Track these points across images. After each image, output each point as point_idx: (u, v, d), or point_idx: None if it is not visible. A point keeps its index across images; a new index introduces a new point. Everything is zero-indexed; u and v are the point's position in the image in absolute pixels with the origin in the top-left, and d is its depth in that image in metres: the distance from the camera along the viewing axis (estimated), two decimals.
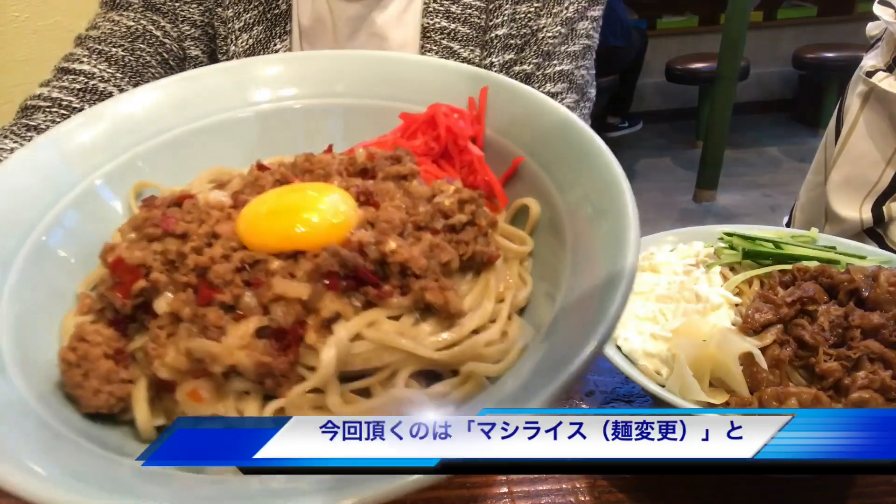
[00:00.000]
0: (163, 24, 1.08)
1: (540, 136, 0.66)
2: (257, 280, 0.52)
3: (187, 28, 1.10)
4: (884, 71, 1.29)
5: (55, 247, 0.61)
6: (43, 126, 0.96)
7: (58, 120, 0.99)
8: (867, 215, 1.31)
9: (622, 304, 0.45)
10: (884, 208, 1.29)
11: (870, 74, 1.30)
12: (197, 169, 0.70)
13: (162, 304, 0.52)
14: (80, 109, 1.01)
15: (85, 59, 1.05)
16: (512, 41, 1.08)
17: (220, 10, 1.09)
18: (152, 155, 0.70)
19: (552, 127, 0.65)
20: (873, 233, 1.31)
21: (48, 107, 1.00)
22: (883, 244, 1.28)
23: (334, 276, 0.51)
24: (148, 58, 1.07)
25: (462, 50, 1.06)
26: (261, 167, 0.65)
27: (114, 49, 1.05)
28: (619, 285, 0.47)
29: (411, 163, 0.65)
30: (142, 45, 1.07)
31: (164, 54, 1.09)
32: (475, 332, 0.54)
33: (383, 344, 0.51)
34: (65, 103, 1.01)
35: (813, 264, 0.80)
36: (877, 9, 1.32)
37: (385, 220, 0.56)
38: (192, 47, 1.10)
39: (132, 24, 1.07)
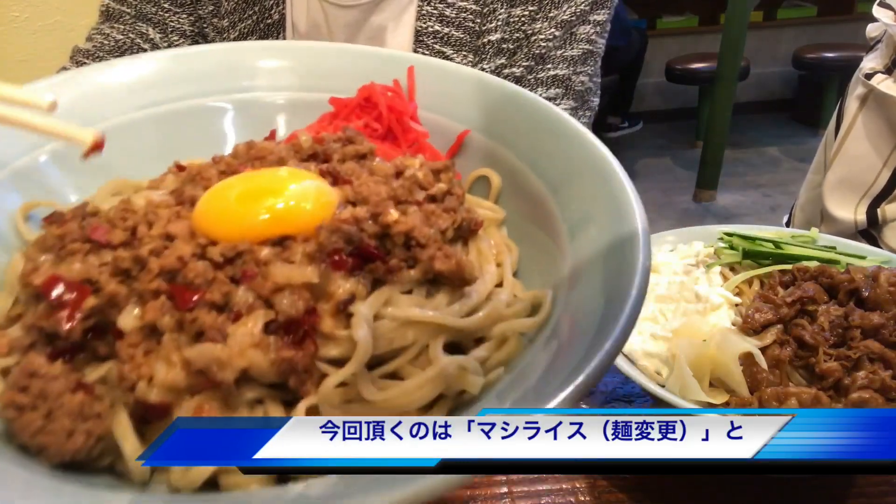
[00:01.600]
0: (151, 35, 1.08)
1: (491, 113, 0.65)
2: (248, 272, 0.46)
3: (176, 38, 1.10)
4: (882, 73, 1.29)
5: None
6: None
7: None
8: (861, 217, 1.31)
9: (641, 291, 0.42)
10: (878, 210, 1.29)
11: (869, 76, 1.30)
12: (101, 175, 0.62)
13: (128, 319, 0.45)
14: None
15: None
16: (505, 45, 1.04)
17: (215, 20, 1.09)
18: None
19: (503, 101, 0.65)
20: (867, 234, 1.31)
21: None
22: (876, 246, 1.28)
23: (338, 256, 0.46)
24: None
25: (455, 55, 1.04)
26: (179, 167, 0.59)
27: None
28: (634, 260, 0.44)
29: (364, 140, 0.61)
30: None
31: None
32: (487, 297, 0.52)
33: (406, 320, 0.47)
34: None
35: (813, 264, 0.80)
36: (876, 11, 1.32)
37: (371, 193, 0.52)
38: None
39: (122, 37, 1.07)
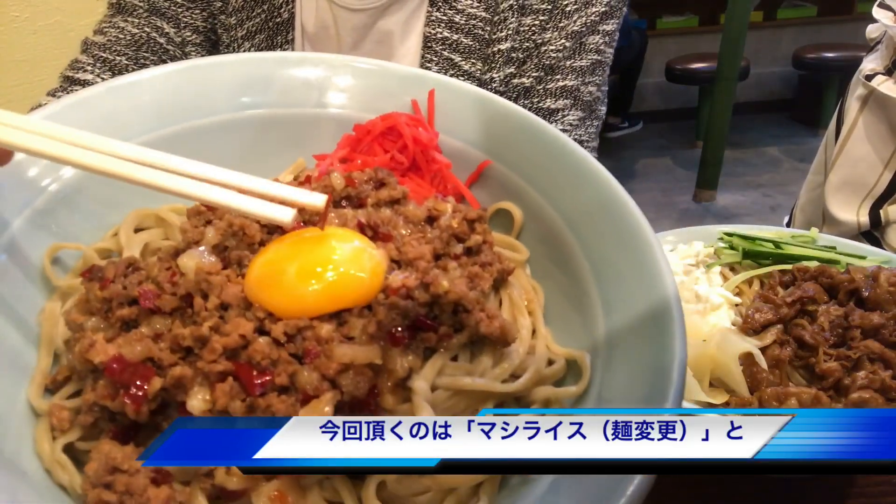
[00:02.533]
0: (166, 29, 1.08)
1: (503, 138, 0.66)
2: (311, 351, 0.46)
3: (189, 34, 1.10)
4: (883, 74, 1.29)
5: None
6: None
7: None
8: (864, 218, 1.31)
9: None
10: (881, 211, 1.29)
11: (869, 78, 1.30)
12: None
13: (198, 403, 0.45)
14: None
15: (89, 68, 1.05)
16: (514, 55, 1.03)
17: (223, 17, 1.09)
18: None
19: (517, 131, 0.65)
20: (870, 236, 1.31)
21: None
22: (879, 247, 1.28)
23: (396, 331, 0.47)
24: (151, 66, 1.07)
25: (463, 62, 1.03)
26: (208, 206, 0.57)
27: (118, 58, 1.05)
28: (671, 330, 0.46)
29: (396, 183, 0.62)
30: (146, 54, 1.07)
31: (168, 61, 1.08)
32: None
33: (458, 389, 0.48)
34: None
35: (813, 264, 0.80)
36: (876, 12, 1.31)
37: (416, 256, 0.52)
38: (194, 53, 1.10)
39: (137, 31, 1.07)
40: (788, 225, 1.60)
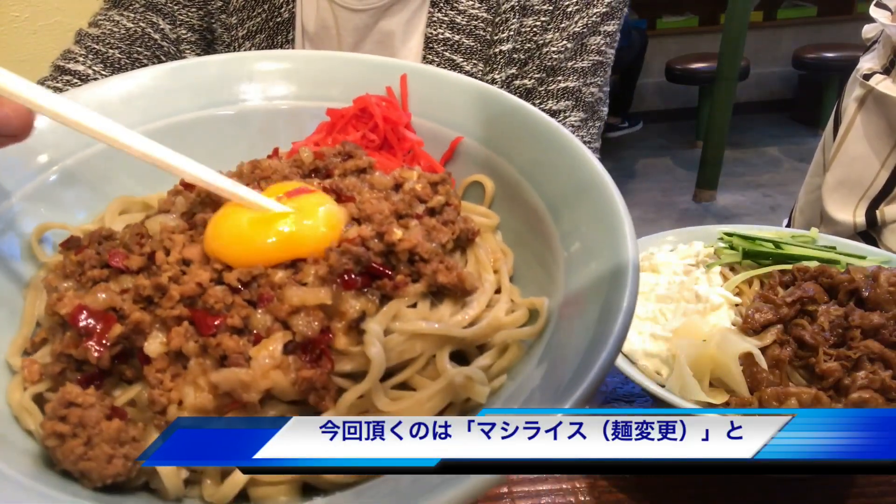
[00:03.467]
0: (162, 26, 1.08)
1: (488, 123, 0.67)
2: (264, 296, 0.48)
3: (184, 32, 1.10)
4: (881, 73, 1.29)
5: None
6: None
7: None
8: (860, 218, 1.30)
9: (631, 304, 0.45)
10: (877, 212, 1.29)
11: (867, 77, 1.30)
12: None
13: (154, 346, 0.47)
14: None
15: (81, 59, 1.04)
16: (516, 56, 1.03)
17: (223, 16, 1.09)
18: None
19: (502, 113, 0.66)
20: (867, 236, 1.31)
21: None
22: (876, 247, 1.28)
23: (348, 276, 0.48)
24: (145, 61, 1.07)
25: (465, 63, 1.03)
26: (185, 185, 0.60)
27: (111, 51, 1.05)
28: (625, 278, 0.46)
29: (364, 154, 0.63)
30: (139, 49, 1.07)
31: (162, 57, 1.08)
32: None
33: (414, 333, 0.49)
34: None
35: (813, 264, 0.80)
36: (873, 11, 1.31)
37: (374, 211, 0.54)
38: (188, 51, 1.10)
39: (132, 25, 1.07)
40: (788, 227, 1.59)
